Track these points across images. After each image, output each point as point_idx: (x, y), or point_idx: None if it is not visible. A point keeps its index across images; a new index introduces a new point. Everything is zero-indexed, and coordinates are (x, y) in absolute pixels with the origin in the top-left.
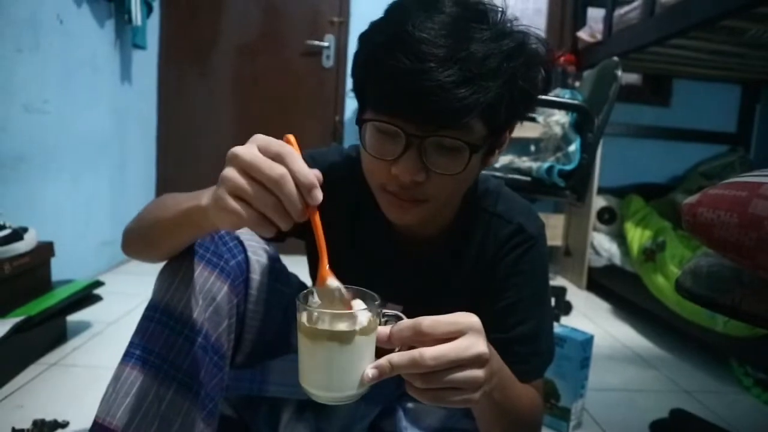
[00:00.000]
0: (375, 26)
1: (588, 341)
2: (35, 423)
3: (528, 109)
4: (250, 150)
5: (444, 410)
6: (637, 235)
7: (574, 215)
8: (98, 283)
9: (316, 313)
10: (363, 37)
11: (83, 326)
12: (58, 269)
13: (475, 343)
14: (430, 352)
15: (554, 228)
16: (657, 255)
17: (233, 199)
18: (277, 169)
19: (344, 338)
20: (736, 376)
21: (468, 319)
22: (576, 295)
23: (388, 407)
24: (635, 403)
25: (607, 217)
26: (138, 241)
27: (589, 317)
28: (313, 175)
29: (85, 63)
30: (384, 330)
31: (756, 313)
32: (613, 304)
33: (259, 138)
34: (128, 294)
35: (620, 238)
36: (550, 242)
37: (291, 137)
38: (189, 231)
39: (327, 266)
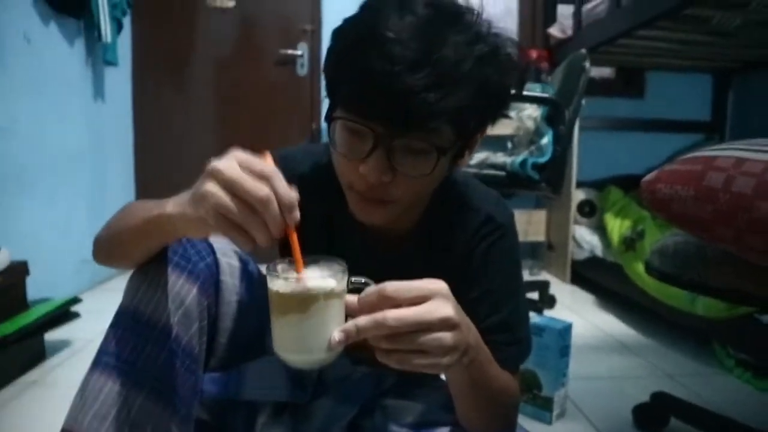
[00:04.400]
0: (348, 23)
1: (566, 329)
2: None
3: (500, 113)
4: (232, 166)
5: (422, 405)
6: (617, 226)
7: (555, 210)
8: (75, 300)
9: (284, 281)
10: (336, 33)
11: (63, 344)
12: (37, 288)
13: (441, 307)
14: (393, 314)
15: (536, 223)
16: (637, 243)
17: (216, 215)
18: (262, 190)
19: (311, 301)
20: (718, 358)
21: (434, 284)
22: (560, 288)
23: (366, 406)
24: (619, 390)
25: (587, 210)
26: (107, 249)
27: (573, 309)
28: (293, 196)
29: (56, 81)
30: (352, 297)
31: (719, 287)
32: (596, 295)
33: (240, 155)
34: (109, 312)
35: (601, 230)
36: (533, 238)
37: (268, 155)
38: (155, 239)
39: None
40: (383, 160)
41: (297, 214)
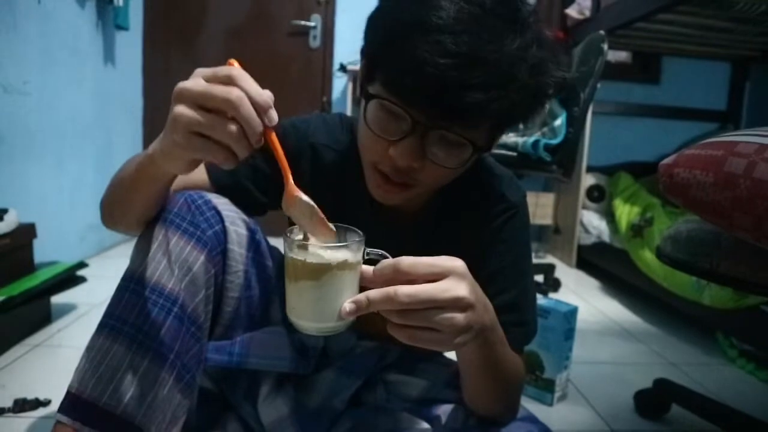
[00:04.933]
0: None
1: (572, 312)
2: (16, 402)
3: (538, 114)
4: (197, 82)
5: (426, 381)
6: (626, 212)
7: (564, 193)
8: (82, 264)
9: (300, 248)
10: (384, 6)
11: (68, 308)
12: (43, 252)
13: (455, 287)
14: (404, 290)
15: (544, 206)
16: (645, 230)
17: (191, 136)
18: (233, 92)
19: (325, 270)
20: (722, 348)
21: (451, 262)
22: (565, 272)
23: (369, 380)
24: (622, 376)
25: (596, 194)
26: (109, 209)
27: (577, 293)
28: (268, 95)
29: (66, 44)
30: (368, 268)
31: (734, 276)
32: (601, 280)
33: (203, 69)
34: (115, 277)
35: (609, 216)
36: (541, 221)
37: (234, 61)
38: (146, 185)
39: (292, 183)
40: (416, 147)
41: (274, 113)
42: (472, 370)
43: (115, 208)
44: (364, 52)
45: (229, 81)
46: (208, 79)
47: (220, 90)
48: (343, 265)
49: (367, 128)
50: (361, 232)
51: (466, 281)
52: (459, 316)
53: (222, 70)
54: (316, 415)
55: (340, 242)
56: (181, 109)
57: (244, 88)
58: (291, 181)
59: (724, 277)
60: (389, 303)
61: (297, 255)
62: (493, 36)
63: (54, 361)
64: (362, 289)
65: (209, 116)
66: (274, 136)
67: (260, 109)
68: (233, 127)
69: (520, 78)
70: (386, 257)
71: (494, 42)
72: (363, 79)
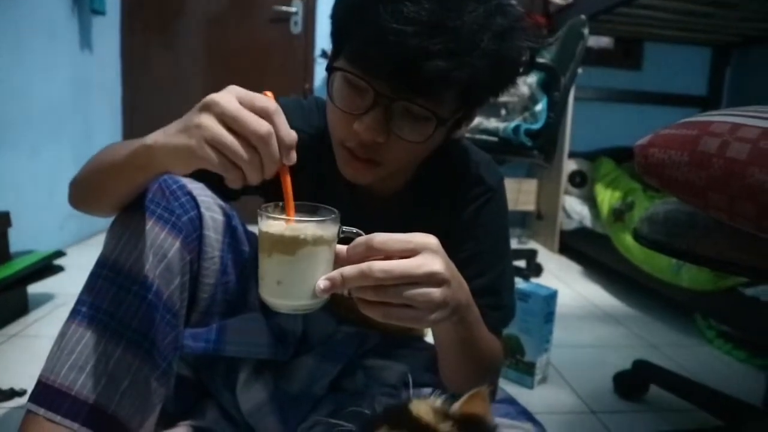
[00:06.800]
0: None
1: (551, 296)
2: None
3: (507, 88)
4: (231, 101)
5: (405, 365)
6: (607, 197)
7: (546, 179)
8: (59, 253)
9: (275, 222)
10: None
11: (46, 298)
12: (20, 241)
13: (429, 262)
14: (378, 265)
15: (527, 193)
16: (626, 215)
17: (208, 147)
18: (264, 126)
19: (300, 246)
20: (700, 330)
21: (424, 238)
22: (548, 258)
23: (348, 366)
24: (602, 358)
25: (578, 180)
26: (83, 190)
27: (560, 278)
28: (294, 136)
29: (40, 29)
30: (342, 247)
31: (710, 256)
32: (584, 265)
33: (239, 90)
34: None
35: (591, 201)
36: (523, 207)
37: (270, 93)
38: (134, 174)
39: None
40: (380, 120)
41: (294, 154)
42: (449, 351)
43: (91, 193)
44: (332, 28)
45: (263, 114)
46: (243, 103)
47: (252, 120)
48: (319, 241)
49: (332, 104)
50: (336, 210)
51: (439, 256)
52: (434, 291)
53: (259, 101)
54: (295, 401)
55: (315, 218)
56: (209, 121)
57: (275, 124)
58: (294, 219)
59: (701, 258)
60: (364, 279)
61: (272, 229)
62: (455, 3)
63: (31, 351)
64: (337, 269)
65: (234, 140)
66: (287, 175)
67: (283, 148)
68: (254, 158)
69: (483, 46)
70: (361, 235)
71: (455, 9)
72: (330, 56)
